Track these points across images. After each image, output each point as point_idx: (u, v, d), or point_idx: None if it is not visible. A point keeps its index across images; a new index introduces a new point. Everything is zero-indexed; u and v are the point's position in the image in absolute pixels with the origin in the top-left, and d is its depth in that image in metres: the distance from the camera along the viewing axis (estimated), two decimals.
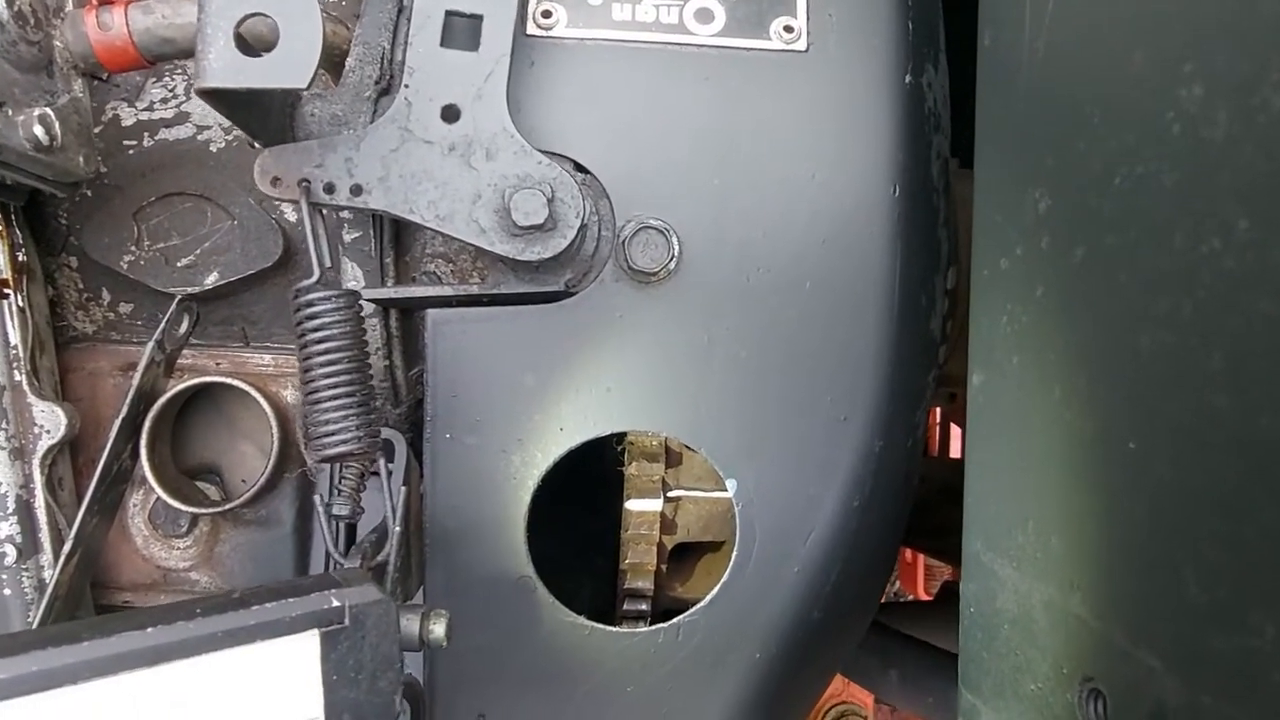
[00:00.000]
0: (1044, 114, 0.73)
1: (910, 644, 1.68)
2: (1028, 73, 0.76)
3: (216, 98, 0.76)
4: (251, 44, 0.78)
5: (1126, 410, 0.60)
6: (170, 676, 0.59)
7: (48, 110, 0.89)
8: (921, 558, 3.15)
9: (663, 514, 1.14)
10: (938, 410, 2.20)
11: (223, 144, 1.16)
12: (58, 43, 0.94)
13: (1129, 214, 0.61)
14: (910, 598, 3.34)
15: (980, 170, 0.86)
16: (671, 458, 1.13)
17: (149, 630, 0.59)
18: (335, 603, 0.66)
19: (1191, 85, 0.56)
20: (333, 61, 1.04)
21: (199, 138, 1.17)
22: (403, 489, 0.89)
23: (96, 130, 1.15)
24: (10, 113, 0.85)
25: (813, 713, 2.99)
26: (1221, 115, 0.54)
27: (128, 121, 1.17)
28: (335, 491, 0.99)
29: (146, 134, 1.17)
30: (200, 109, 1.16)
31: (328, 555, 0.90)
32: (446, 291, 0.95)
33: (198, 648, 0.60)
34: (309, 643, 0.65)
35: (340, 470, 0.99)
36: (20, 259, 1.07)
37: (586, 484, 1.22)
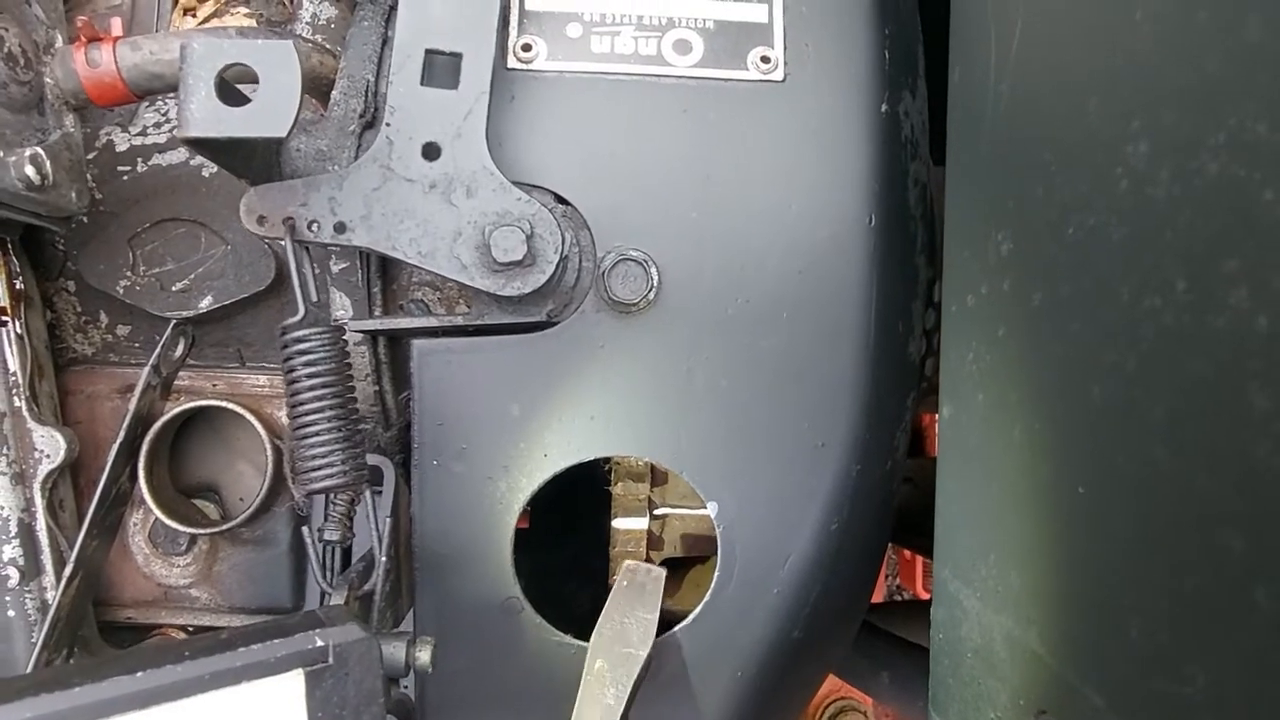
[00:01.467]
0: (1007, 156, 0.74)
1: (902, 646, 1.69)
2: (993, 113, 0.77)
3: (199, 145, 0.78)
4: (234, 86, 0.80)
5: (1078, 456, 0.62)
6: (160, 718, 0.62)
7: (39, 150, 0.91)
8: (920, 558, 3.16)
9: (649, 531, 1.16)
10: (934, 415, 2.21)
11: (215, 169, 1.18)
12: (48, 80, 0.96)
13: (1081, 264, 0.62)
14: (910, 594, 3.36)
15: (950, 205, 0.87)
16: (657, 477, 1.16)
17: (139, 674, 0.61)
18: (319, 642, 0.69)
19: (1139, 142, 0.58)
20: (321, 90, 1.06)
21: (192, 163, 1.19)
22: (388, 519, 0.91)
23: (90, 156, 1.17)
24: (2, 154, 0.87)
25: (812, 708, 3.01)
26: (1164, 174, 0.55)
27: (121, 147, 1.19)
28: (327, 517, 1.01)
29: (140, 159, 1.19)
30: None
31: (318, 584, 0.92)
32: (431, 322, 0.97)
33: (187, 690, 0.63)
34: (294, 682, 0.68)
35: (331, 496, 1.01)
36: (18, 287, 1.09)
37: (574, 504, 1.24)
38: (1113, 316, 0.59)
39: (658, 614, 0.96)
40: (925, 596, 3.21)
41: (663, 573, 1.03)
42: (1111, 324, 0.59)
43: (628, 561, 1.07)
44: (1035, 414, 0.68)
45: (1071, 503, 0.62)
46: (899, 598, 3.49)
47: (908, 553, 3.21)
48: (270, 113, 0.74)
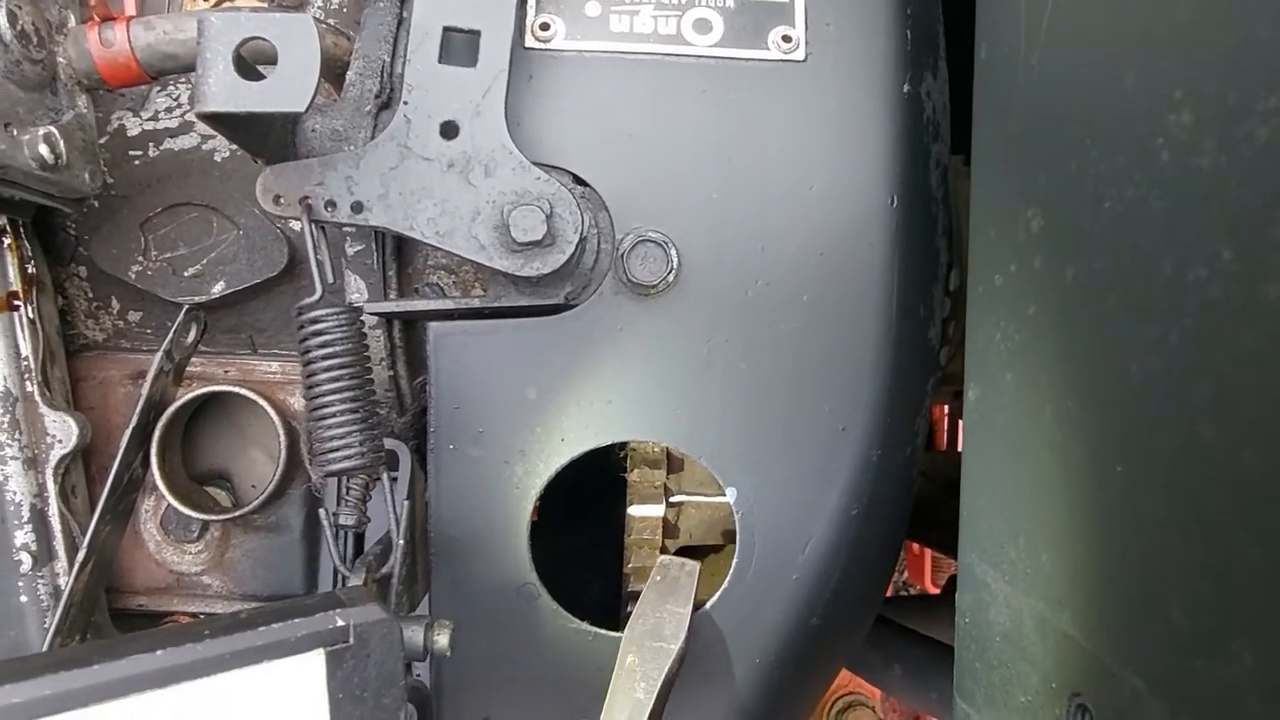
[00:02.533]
0: (1038, 132, 0.73)
1: (914, 639, 1.68)
2: (1023, 89, 0.76)
3: (216, 120, 0.77)
4: (251, 64, 0.79)
5: (1115, 435, 0.60)
6: (179, 697, 0.61)
7: (53, 129, 0.90)
8: (929, 550, 3.15)
9: (665, 519, 1.15)
10: (945, 406, 2.20)
11: (227, 154, 1.17)
12: (61, 60, 0.95)
13: (1118, 238, 0.61)
14: (918, 589, 3.35)
15: (977, 184, 0.86)
16: (673, 463, 1.14)
17: (158, 652, 0.60)
18: (340, 622, 0.68)
19: (1181, 112, 0.57)
20: (335, 73, 1.05)
21: (204, 147, 1.18)
22: (406, 502, 0.90)
23: (102, 141, 1.16)
24: (15, 132, 0.86)
25: (820, 703, 3.00)
26: (1209, 144, 0.54)
27: (133, 131, 1.18)
28: (342, 501, 1.00)
29: (152, 144, 1.18)
30: None
31: (336, 568, 0.91)
32: (447, 305, 0.96)
33: (206, 669, 0.62)
34: (315, 662, 0.67)
35: (346, 480, 1.01)
36: (30, 271, 1.08)
37: (589, 489, 1.23)
38: (1154, 290, 0.57)
39: (690, 608, 0.95)
40: (934, 591, 3.20)
41: (696, 566, 1.03)
42: (1152, 298, 0.57)
43: (662, 556, 1.06)
44: (1068, 392, 0.66)
45: (1108, 481, 0.61)
46: (906, 592, 3.48)
47: (916, 547, 3.20)
48: (289, 87, 0.73)
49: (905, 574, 3.45)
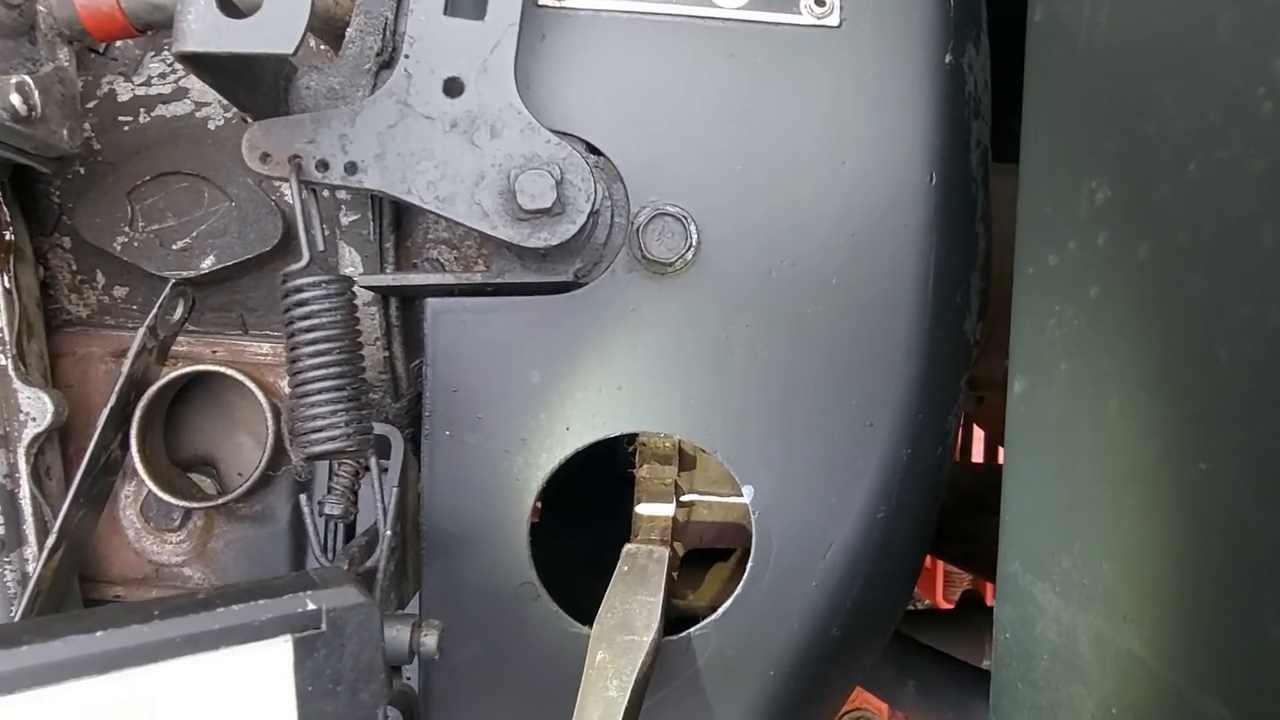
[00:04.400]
0: (1104, 94, 0.66)
1: (929, 654, 1.62)
2: (1085, 49, 0.69)
3: (198, 64, 0.70)
4: (239, 5, 0.72)
5: (1198, 428, 0.53)
6: (123, 686, 0.54)
7: (26, 78, 0.83)
8: (941, 564, 3.08)
9: (675, 518, 1.08)
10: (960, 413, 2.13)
11: (221, 121, 1.11)
12: (41, 8, 0.89)
13: (1206, 206, 0.54)
14: (928, 604, 3.27)
15: (1027, 159, 0.79)
16: (685, 460, 1.08)
17: (98, 634, 0.53)
18: (311, 605, 0.61)
19: None
20: (335, 34, 0.98)
21: (197, 115, 1.12)
22: (394, 490, 0.83)
23: (91, 105, 1.10)
24: None
25: None
26: None
27: (124, 97, 1.13)
28: (329, 489, 0.94)
29: (143, 110, 1.12)
30: (200, 85, 1.11)
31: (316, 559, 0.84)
32: (448, 279, 0.90)
33: (155, 654, 0.55)
34: (281, 649, 0.60)
35: (333, 468, 0.94)
36: (7, 238, 1.03)
37: (595, 486, 1.16)
38: (1250, 263, 0.50)
39: (661, 596, 0.90)
40: (945, 606, 3.12)
41: (665, 553, 0.98)
42: (1248, 272, 0.50)
43: (627, 545, 1.00)
44: (1138, 383, 0.59)
45: (1188, 481, 0.53)
46: (915, 606, 3.40)
47: (927, 560, 3.12)
48: (276, 26, 0.67)
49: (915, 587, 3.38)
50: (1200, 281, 0.54)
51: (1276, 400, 0.48)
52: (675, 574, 1.15)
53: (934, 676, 1.57)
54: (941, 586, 3.21)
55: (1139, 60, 0.61)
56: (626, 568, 0.96)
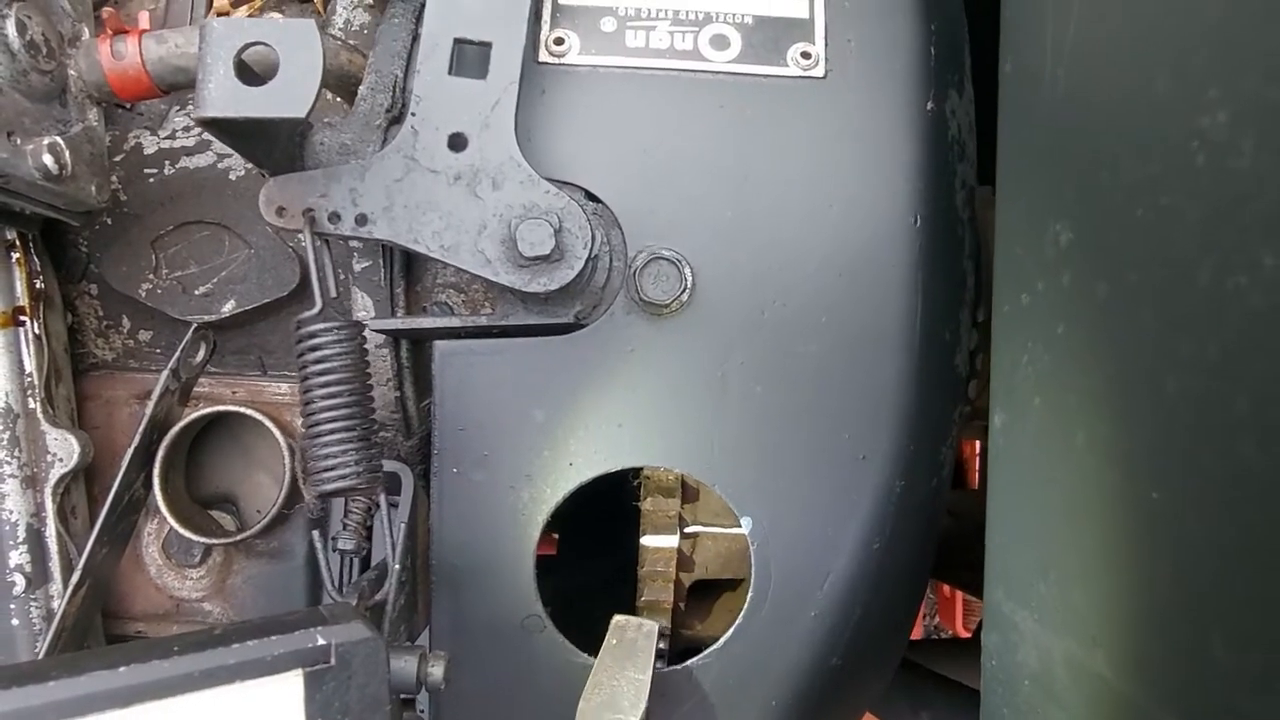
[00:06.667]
0: (1065, 144, 0.69)
1: (943, 684, 1.62)
2: (1048, 101, 0.72)
3: (218, 127, 0.75)
4: (256, 72, 0.77)
5: (1151, 459, 0.56)
6: (145, 718, 0.58)
7: (57, 139, 0.89)
8: (960, 593, 3.06)
9: (680, 550, 1.10)
10: (976, 443, 2.14)
11: (242, 172, 1.16)
12: (72, 71, 0.95)
13: (1152, 249, 0.57)
14: (949, 633, 3.25)
15: (1002, 202, 0.82)
16: (689, 493, 1.10)
17: (121, 670, 0.57)
18: (321, 641, 0.64)
19: (1216, 112, 0.53)
20: (348, 90, 1.04)
21: (219, 165, 1.17)
22: (402, 525, 0.87)
23: (118, 159, 1.16)
24: (19, 142, 0.85)
25: None
26: (1248, 144, 0.50)
27: (150, 150, 1.18)
28: (343, 526, 0.97)
29: (168, 162, 1.18)
30: None
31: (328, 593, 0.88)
32: (454, 322, 0.94)
33: (174, 688, 0.58)
34: (292, 683, 0.63)
35: (347, 504, 0.97)
36: (38, 286, 1.07)
37: (601, 519, 1.19)
38: (1191, 301, 0.53)
39: (650, 674, 0.87)
40: (965, 635, 3.11)
41: (655, 627, 0.95)
42: (1189, 310, 0.53)
43: (617, 616, 0.98)
44: (1100, 416, 0.62)
45: (1144, 510, 0.56)
46: (937, 636, 3.38)
47: (947, 589, 3.11)
48: (290, 92, 0.72)
49: (937, 618, 3.36)
50: (1149, 319, 0.57)
51: (1216, 432, 0.51)
52: (683, 604, 1.17)
53: (948, 707, 1.57)
54: (961, 615, 3.19)
55: (1092, 113, 0.65)
56: (615, 640, 0.93)
